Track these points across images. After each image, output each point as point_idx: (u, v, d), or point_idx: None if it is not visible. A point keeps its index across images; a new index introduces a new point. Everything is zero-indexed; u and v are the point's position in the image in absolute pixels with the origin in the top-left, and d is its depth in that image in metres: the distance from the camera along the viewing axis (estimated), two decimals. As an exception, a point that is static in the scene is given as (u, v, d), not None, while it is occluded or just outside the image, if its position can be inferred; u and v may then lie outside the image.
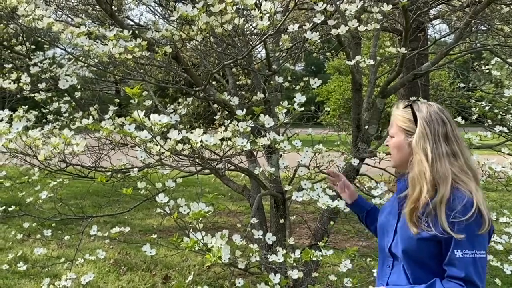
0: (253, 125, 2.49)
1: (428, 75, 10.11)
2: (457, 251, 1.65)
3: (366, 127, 3.86)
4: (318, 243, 2.88)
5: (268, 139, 2.53)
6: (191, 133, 2.23)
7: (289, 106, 2.46)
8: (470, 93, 5.02)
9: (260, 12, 2.33)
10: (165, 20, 4.10)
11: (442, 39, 6.26)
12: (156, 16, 5.12)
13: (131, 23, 5.46)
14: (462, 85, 4.44)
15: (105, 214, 4.99)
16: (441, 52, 3.53)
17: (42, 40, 3.53)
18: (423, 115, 1.81)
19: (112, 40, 2.46)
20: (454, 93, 5.27)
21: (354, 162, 3.20)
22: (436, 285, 1.69)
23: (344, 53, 3.91)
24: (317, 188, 2.71)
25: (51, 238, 6.43)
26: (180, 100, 5.33)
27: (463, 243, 1.65)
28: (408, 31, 3.08)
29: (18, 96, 5.08)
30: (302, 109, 2.36)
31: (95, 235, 3.21)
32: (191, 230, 2.39)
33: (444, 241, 1.68)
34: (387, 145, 2.00)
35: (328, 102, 23.71)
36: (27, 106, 4.21)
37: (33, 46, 5.32)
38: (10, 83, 3.16)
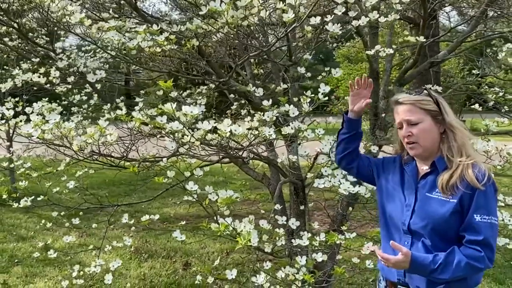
0: (277, 114, 2.59)
1: (439, 63, 10.07)
2: (476, 216, 1.83)
3: (383, 115, 3.94)
4: (338, 227, 2.98)
5: (292, 128, 2.62)
6: (221, 123, 2.34)
7: (312, 95, 2.55)
8: (481, 79, 5.06)
9: (285, 5, 2.42)
10: (182, 12, 4.17)
11: (453, 27, 6.29)
12: (168, 7, 5.19)
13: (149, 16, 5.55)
14: (475, 71, 4.48)
15: (129, 203, 5.12)
16: (458, 40, 3.59)
17: (60, 34, 3.63)
18: (438, 96, 1.98)
19: (142, 34, 2.56)
20: (464, 80, 5.29)
21: (374, 149, 3.28)
22: (455, 252, 1.83)
23: (356, 41, 3.99)
24: (337, 175, 2.81)
25: (74, 227, 6.61)
26: (192, 90, 5.42)
27: (481, 209, 1.83)
28: (426, 19, 3.15)
29: (35, 88, 5.21)
30: (326, 98, 2.45)
31: (115, 224, 3.33)
32: (218, 217, 2.50)
33: (466, 205, 1.85)
34: (409, 135, 2.00)
35: (338, 91, 23.69)
36: (47, 98, 4.33)
37: (47, 38, 5.44)
38: (39, 77, 3.27)
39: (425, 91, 2.04)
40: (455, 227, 1.88)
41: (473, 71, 4.93)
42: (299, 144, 3.66)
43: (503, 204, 3.44)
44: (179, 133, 2.42)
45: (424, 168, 2.05)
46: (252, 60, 4.38)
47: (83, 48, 4.76)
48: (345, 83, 21.80)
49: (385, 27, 4.42)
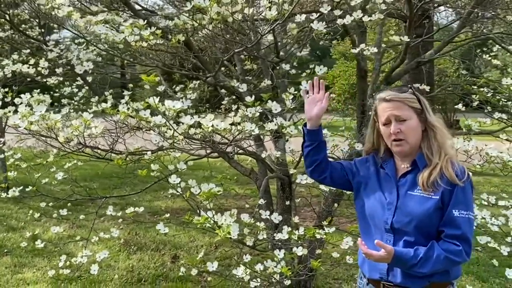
0: (261, 110, 2.62)
1: (433, 62, 10.13)
2: (455, 211, 1.90)
3: (370, 112, 3.98)
4: (320, 223, 3.03)
5: (275, 124, 2.67)
6: (203, 118, 2.38)
7: (295, 92, 2.59)
8: (474, 79, 5.11)
9: (269, 2, 2.45)
10: (176, 8, 4.21)
11: (449, 26, 6.33)
12: (164, 1, 5.22)
13: (138, 7, 5.58)
14: (464, 72, 4.53)
15: (118, 195, 5.16)
16: (444, 40, 3.64)
17: (54, 26, 3.66)
18: (420, 95, 2.04)
19: (128, 29, 2.60)
20: (458, 79, 5.34)
21: (358, 147, 3.33)
22: (434, 246, 1.90)
23: (350, 39, 4.02)
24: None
25: (63, 218, 6.64)
26: (186, 84, 5.46)
27: (460, 204, 1.90)
28: (412, 19, 3.19)
29: (28, 79, 5.24)
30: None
31: (105, 216, 3.37)
32: (202, 210, 2.54)
33: (446, 201, 1.91)
34: (398, 131, 2.00)
35: (334, 87, 23.72)
36: (38, 90, 4.36)
37: (42, 30, 5.45)
38: (28, 68, 3.30)
39: (410, 90, 2.08)
40: (437, 224, 1.94)
41: (462, 72, 4.98)
42: (287, 140, 3.72)
43: (486, 203, 3.51)
44: (163, 127, 2.46)
45: (404, 166, 2.08)
46: (243, 56, 4.41)
47: (76, 41, 4.79)
48: (341, 80, 21.84)
49: (373, 26, 4.45)
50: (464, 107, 3.48)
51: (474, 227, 3.14)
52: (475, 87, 4.72)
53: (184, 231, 6.28)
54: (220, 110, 6.30)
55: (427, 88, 4.04)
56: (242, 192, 8.78)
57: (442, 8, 7.39)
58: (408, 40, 3.00)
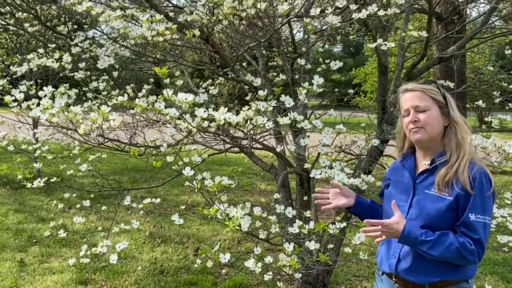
0: (275, 105, 2.64)
1: (464, 59, 9.91)
2: (471, 215, 1.87)
3: (392, 109, 3.95)
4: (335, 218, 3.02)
5: (289, 119, 2.68)
6: (216, 111, 2.41)
7: (309, 87, 2.59)
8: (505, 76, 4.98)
9: (283, -2, 2.47)
10: (193, 4, 4.25)
11: (465, 23, 6.18)
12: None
13: (170, 4, 5.65)
14: (491, 68, 4.42)
15: (138, 188, 5.27)
16: (466, 36, 3.58)
17: (82, 21, 3.76)
18: (444, 91, 2.02)
19: (145, 24, 2.65)
20: (496, 77, 5.19)
21: (375, 143, 3.31)
22: (449, 234, 1.89)
23: (370, 34, 3.97)
24: (335, 166, 2.85)
25: (91, 210, 6.81)
26: (215, 79, 5.52)
27: (477, 208, 1.87)
28: (431, 15, 3.15)
29: (61, 75, 5.39)
30: (321, 90, 2.49)
31: (131, 208, 3.43)
32: (216, 202, 2.58)
33: (461, 204, 1.89)
34: (415, 120, 2.00)
35: (365, 84, 23.48)
36: (68, 84, 4.48)
37: (75, 26, 5.57)
38: (53, 62, 3.40)
39: (434, 83, 2.08)
40: (450, 223, 1.93)
41: (490, 68, 4.85)
42: (308, 136, 3.72)
43: (509, 202, 3.43)
44: (177, 120, 2.50)
45: (424, 163, 2.08)
46: (264, 52, 4.43)
47: (105, 36, 4.89)
48: (373, 77, 21.60)
49: (396, 21, 4.39)
50: (484, 104, 3.40)
51: (495, 226, 3.10)
52: (506, 84, 4.60)
53: (207, 225, 6.36)
54: (249, 106, 6.34)
55: (451, 85, 3.98)
56: (269, 188, 8.81)
57: (472, 4, 7.25)
58: (427, 35, 2.96)
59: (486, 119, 3.07)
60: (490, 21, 4.33)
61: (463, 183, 1.87)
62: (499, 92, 3.68)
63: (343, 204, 2.27)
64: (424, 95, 2.02)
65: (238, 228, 2.27)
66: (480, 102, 3.33)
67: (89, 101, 4.47)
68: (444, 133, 2.03)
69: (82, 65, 3.47)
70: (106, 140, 3.05)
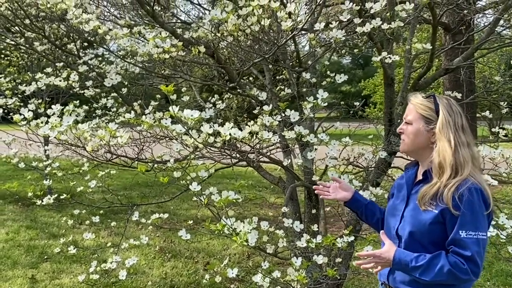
0: (280, 119, 2.65)
1: (473, 69, 9.89)
2: (462, 232, 1.83)
3: (399, 121, 3.95)
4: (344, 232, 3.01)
5: (294, 133, 2.69)
6: (224, 125, 2.43)
7: (314, 101, 2.61)
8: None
9: (286, 13, 2.49)
10: (200, 21, 4.30)
11: (471, 33, 6.18)
12: (201, 13, 5.32)
13: (178, 21, 5.72)
14: (500, 79, 4.41)
15: (147, 203, 5.27)
16: (472, 46, 3.57)
17: (90, 39, 3.81)
18: (445, 106, 2.01)
19: (151, 41, 2.69)
20: (504, 86, 5.17)
21: (382, 155, 3.30)
22: (441, 256, 1.86)
23: (396, 47, 3.99)
24: (343, 179, 2.85)
25: (101, 226, 6.83)
26: (224, 94, 5.55)
27: (467, 225, 1.82)
28: (435, 27, 3.16)
29: (71, 92, 5.46)
30: (326, 104, 2.50)
31: (141, 223, 3.43)
32: (223, 217, 2.59)
33: (449, 221, 1.85)
34: (400, 132, 2.09)
35: (375, 96, 23.43)
36: (78, 101, 4.53)
37: (85, 44, 5.64)
38: (60, 81, 3.45)
39: (431, 97, 2.07)
40: (439, 237, 1.90)
41: (497, 78, 4.84)
42: (315, 149, 3.72)
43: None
44: (183, 136, 2.52)
45: (420, 174, 2.09)
46: (271, 66, 4.46)
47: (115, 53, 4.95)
48: (382, 88, 21.54)
49: (401, 33, 4.40)
50: (490, 114, 3.39)
51: (505, 237, 3.06)
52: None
53: (217, 240, 6.35)
54: (256, 120, 6.38)
55: (459, 96, 3.97)
56: (279, 201, 8.80)
57: (480, 14, 7.27)
58: (431, 47, 2.96)
59: (493, 129, 3.06)
60: (498, 30, 4.33)
61: (446, 203, 1.85)
62: (506, 102, 3.67)
63: (341, 197, 2.36)
64: (413, 108, 2.05)
65: (245, 243, 2.27)
66: (487, 113, 3.32)
67: (98, 118, 4.52)
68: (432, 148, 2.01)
69: (89, 83, 3.51)
70: (114, 157, 3.08)
